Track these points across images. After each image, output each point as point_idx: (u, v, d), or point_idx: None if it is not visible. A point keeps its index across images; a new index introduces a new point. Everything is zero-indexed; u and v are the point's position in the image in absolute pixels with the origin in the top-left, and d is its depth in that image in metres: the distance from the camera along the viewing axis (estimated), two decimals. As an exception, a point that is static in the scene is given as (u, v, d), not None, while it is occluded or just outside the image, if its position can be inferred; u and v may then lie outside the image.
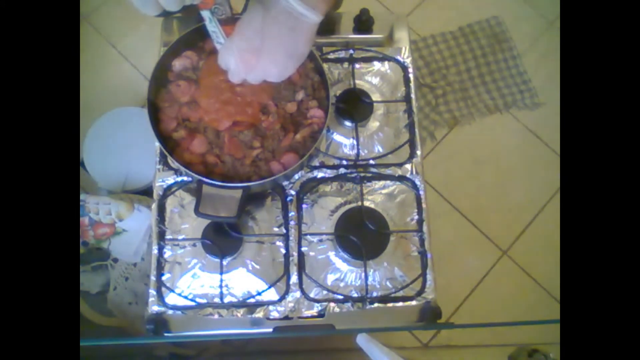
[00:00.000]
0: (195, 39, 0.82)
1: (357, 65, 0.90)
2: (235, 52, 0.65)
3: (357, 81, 0.89)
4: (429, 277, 0.79)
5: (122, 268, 1.07)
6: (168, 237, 0.80)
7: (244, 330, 0.76)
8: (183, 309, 0.76)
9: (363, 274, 0.79)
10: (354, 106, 0.86)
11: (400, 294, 0.78)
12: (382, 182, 0.85)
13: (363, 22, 0.91)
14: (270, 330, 0.75)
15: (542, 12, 1.78)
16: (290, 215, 0.81)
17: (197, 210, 0.72)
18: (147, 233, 1.06)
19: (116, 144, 1.26)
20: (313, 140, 0.78)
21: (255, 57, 0.65)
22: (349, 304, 0.77)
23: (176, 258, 0.79)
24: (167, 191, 0.82)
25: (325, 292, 0.78)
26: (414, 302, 0.77)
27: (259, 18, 0.62)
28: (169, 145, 0.76)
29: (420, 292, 0.78)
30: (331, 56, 0.90)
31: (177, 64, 0.80)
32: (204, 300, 0.77)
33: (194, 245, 0.79)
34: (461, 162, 1.61)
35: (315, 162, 0.84)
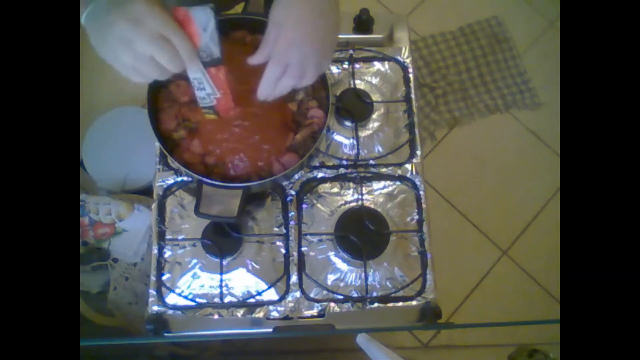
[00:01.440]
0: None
1: (357, 65, 0.90)
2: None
3: (357, 81, 0.89)
4: (429, 277, 0.79)
5: (122, 268, 1.07)
6: (168, 237, 0.80)
7: (244, 330, 0.76)
8: (183, 309, 0.76)
9: (363, 274, 0.79)
10: (354, 106, 0.86)
11: (400, 294, 0.78)
12: (382, 182, 0.85)
13: (363, 22, 0.91)
14: (270, 330, 0.75)
15: (542, 12, 1.78)
16: (290, 215, 0.81)
17: (197, 211, 0.72)
18: (147, 233, 1.06)
19: (115, 143, 1.26)
20: (313, 140, 0.78)
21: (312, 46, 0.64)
22: (349, 304, 0.77)
23: (176, 258, 0.79)
24: (167, 191, 0.82)
25: (325, 292, 0.78)
26: (414, 302, 0.77)
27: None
28: (169, 146, 0.76)
29: (420, 292, 0.78)
30: (331, 56, 0.90)
31: (177, 64, 0.80)
32: (204, 300, 0.77)
33: (194, 245, 0.79)
34: (461, 162, 1.61)
35: (315, 162, 0.84)
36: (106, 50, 0.58)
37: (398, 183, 0.85)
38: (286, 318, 0.75)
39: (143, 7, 0.55)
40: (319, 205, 0.83)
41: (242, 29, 0.82)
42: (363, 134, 0.87)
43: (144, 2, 0.56)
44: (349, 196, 0.83)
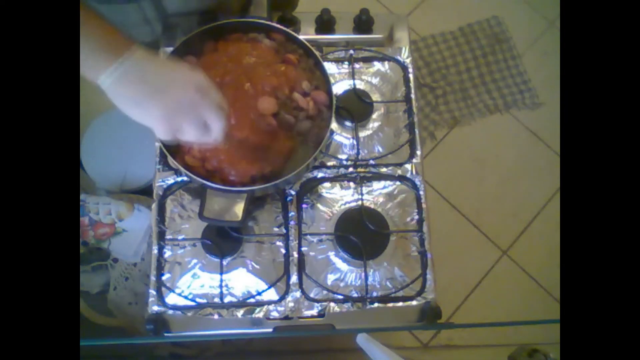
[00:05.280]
0: (196, 43, 0.81)
1: (357, 65, 0.90)
2: None
3: (357, 81, 0.89)
4: (429, 277, 0.79)
5: (122, 268, 1.07)
6: (168, 237, 0.80)
7: (244, 330, 0.76)
8: (183, 309, 0.76)
9: (363, 274, 0.79)
10: (354, 106, 0.86)
11: (400, 294, 0.78)
12: (382, 182, 0.85)
13: (363, 22, 0.91)
14: (270, 330, 0.75)
15: (542, 12, 1.78)
16: (290, 215, 0.81)
17: (201, 215, 0.72)
18: (147, 233, 1.05)
19: (114, 143, 1.25)
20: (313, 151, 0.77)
21: None
22: (349, 304, 0.77)
23: (176, 258, 0.79)
24: (167, 191, 0.82)
25: (325, 292, 0.78)
26: (414, 302, 0.77)
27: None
28: (172, 149, 0.76)
29: (420, 292, 0.78)
30: (331, 56, 0.90)
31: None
32: (204, 300, 0.77)
33: (194, 245, 0.79)
34: (461, 162, 1.61)
35: (316, 162, 0.84)
36: (150, 108, 0.61)
37: (398, 183, 0.85)
38: (286, 318, 0.75)
39: (206, 81, 0.63)
40: (319, 205, 0.83)
41: (238, 32, 0.82)
42: (363, 134, 0.87)
43: (204, 75, 0.63)
44: (349, 196, 0.83)
